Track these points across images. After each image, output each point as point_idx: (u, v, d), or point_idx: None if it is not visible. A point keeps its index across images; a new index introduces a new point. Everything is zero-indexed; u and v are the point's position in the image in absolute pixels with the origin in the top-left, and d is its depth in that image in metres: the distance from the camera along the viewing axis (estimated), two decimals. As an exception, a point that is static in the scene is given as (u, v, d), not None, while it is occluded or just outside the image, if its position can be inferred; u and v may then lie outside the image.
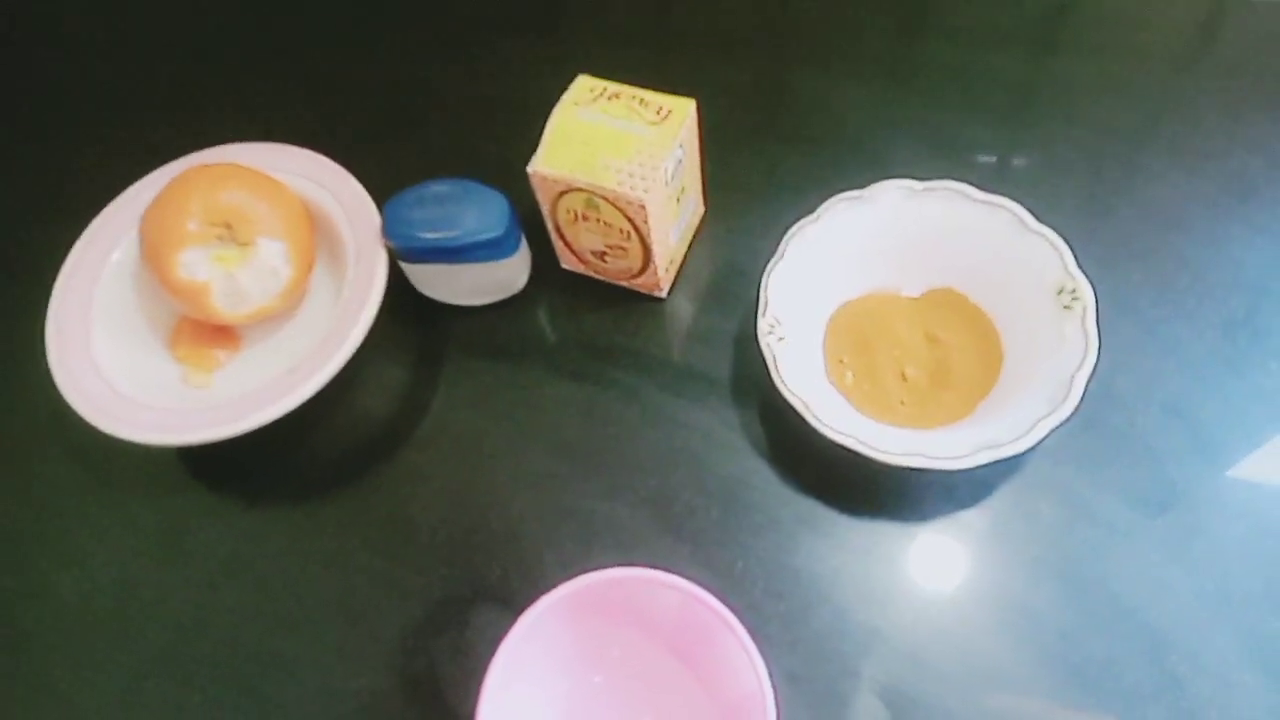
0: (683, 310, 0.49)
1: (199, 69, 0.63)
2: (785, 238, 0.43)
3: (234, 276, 0.44)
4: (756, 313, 0.42)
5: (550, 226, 0.47)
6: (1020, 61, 0.56)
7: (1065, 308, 0.40)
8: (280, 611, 0.42)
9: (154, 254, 0.44)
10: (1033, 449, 0.38)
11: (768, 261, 0.43)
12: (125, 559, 0.44)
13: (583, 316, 0.49)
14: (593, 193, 0.42)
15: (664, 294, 0.49)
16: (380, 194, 0.46)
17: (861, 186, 0.44)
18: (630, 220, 0.42)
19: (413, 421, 0.46)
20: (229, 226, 0.44)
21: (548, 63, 0.48)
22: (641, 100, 0.43)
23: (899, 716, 0.37)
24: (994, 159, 0.52)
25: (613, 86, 0.44)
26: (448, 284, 0.48)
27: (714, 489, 0.43)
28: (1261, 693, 0.37)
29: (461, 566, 0.42)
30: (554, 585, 0.34)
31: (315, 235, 0.47)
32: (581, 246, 0.47)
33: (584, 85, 0.44)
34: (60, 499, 0.47)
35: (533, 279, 0.50)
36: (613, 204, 0.42)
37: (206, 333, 0.47)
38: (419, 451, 0.46)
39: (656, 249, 0.44)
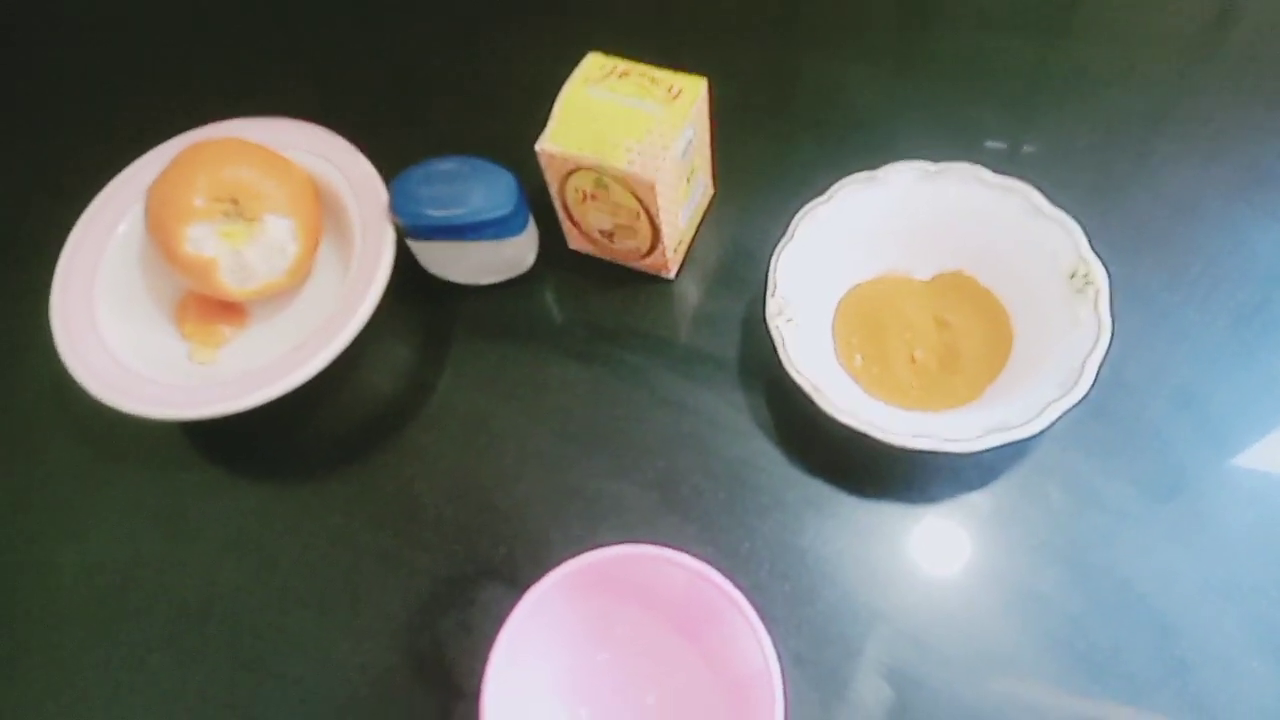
0: (691, 292, 0.48)
1: (204, 47, 0.62)
2: (795, 219, 0.43)
3: (241, 252, 0.44)
4: (765, 294, 0.42)
5: (558, 206, 0.46)
6: (1034, 45, 0.55)
7: (1078, 291, 0.40)
8: (286, 588, 0.42)
9: (160, 229, 0.43)
10: (1042, 433, 0.38)
11: (777, 243, 0.43)
12: (130, 535, 0.44)
13: (590, 297, 0.49)
14: (602, 172, 0.41)
15: (672, 275, 0.48)
16: (388, 172, 0.46)
17: (873, 168, 0.44)
18: (639, 200, 0.42)
19: (419, 400, 0.46)
20: (236, 202, 0.44)
21: (558, 43, 0.48)
22: (652, 79, 0.43)
23: (903, 698, 0.37)
24: (1006, 143, 0.51)
25: (623, 64, 0.43)
26: (455, 262, 0.47)
27: (721, 471, 0.43)
28: (1269, 679, 0.37)
29: (467, 545, 0.42)
30: (560, 563, 0.34)
31: (322, 212, 0.47)
32: (590, 226, 0.47)
33: (595, 63, 0.44)
34: (65, 474, 0.47)
35: (540, 259, 0.49)
36: (622, 183, 0.42)
37: (213, 309, 0.47)
38: (425, 430, 0.45)
39: (665, 229, 0.44)
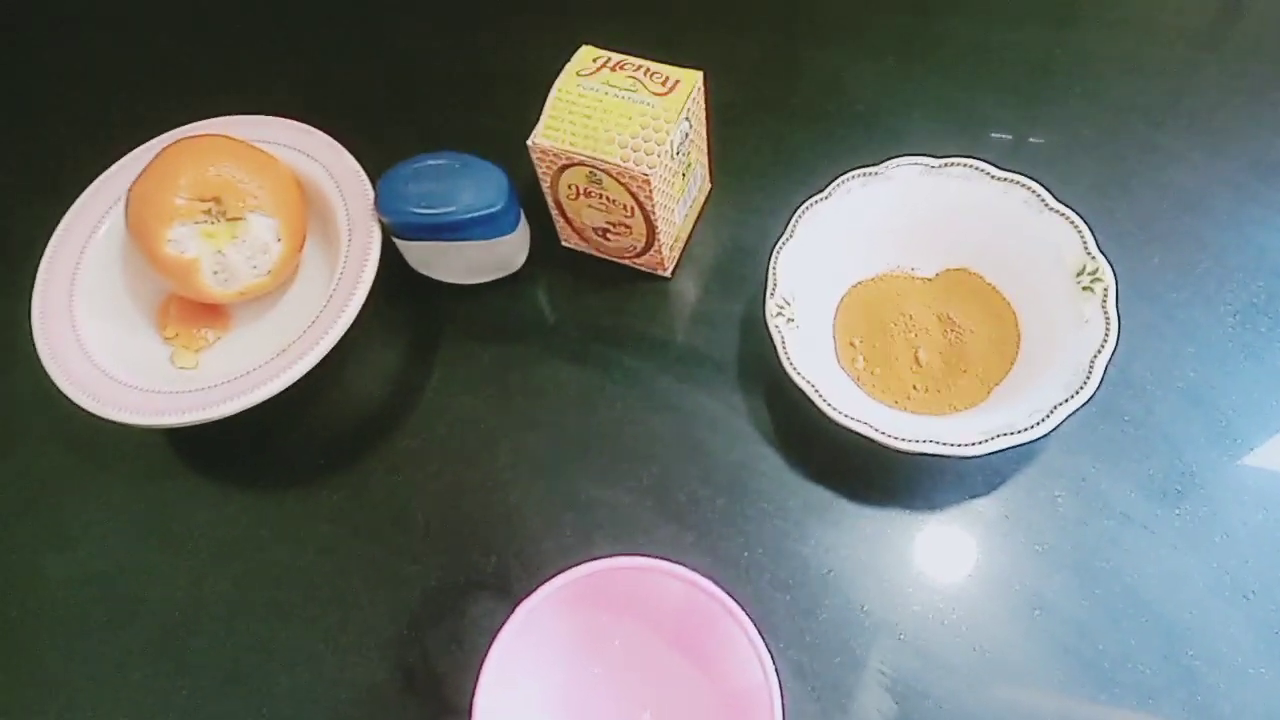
0: (688, 290, 0.47)
1: (191, 41, 0.61)
2: (795, 216, 0.42)
3: (224, 253, 0.43)
4: (764, 293, 0.41)
5: (551, 202, 0.45)
6: (1039, 38, 0.54)
7: (1085, 289, 0.39)
8: (272, 600, 0.41)
9: (141, 230, 0.42)
10: (1048, 436, 0.37)
11: (777, 240, 0.42)
12: (114, 544, 0.43)
13: (584, 296, 0.48)
14: (595, 166, 0.40)
15: (668, 273, 0.47)
16: (377, 170, 0.45)
17: (875, 164, 0.43)
18: (634, 195, 0.41)
19: (408, 405, 0.45)
20: (218, 201, 0.43)
21: (551, 36, 0.46)
22: (647, 71, 0.41)
23: (907, 710, 0.36)
24: (1010, 137, 0.50)
25: (616, 57, 0.42)
26: (444, 262, 0.46)
27: (719, 476, 0.42)
28: (1278, 685, 0.36)
29: (458, 555, 0.41)
30: (553, 575, 0.33)
31: (307, 211, 0.46)
32: (583, 223, 0.45)
33: (587, 55, 0.42)
34: (48, 482, 0.46)
35: (532, 257, 0.48)
36: (616, 178, 0.40)
37: (195, 311, 0.46)
38: (414, 435, 0.44)
39: (661, 226, 0.43)
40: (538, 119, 0.41)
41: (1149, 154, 0.49)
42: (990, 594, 0.39)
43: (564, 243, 0.48)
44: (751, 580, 0.39)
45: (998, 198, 0.42)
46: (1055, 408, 0.36)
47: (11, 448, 0.47)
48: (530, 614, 0.33)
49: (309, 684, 0.39)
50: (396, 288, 0.47)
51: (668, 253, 0.45)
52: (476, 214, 0.42)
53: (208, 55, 0.60)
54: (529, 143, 0.41)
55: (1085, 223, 0.40)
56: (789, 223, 0.42)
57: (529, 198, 0.46)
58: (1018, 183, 0.41)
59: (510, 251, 0.47)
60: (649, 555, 0.34)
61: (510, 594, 0.39)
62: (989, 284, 0.43)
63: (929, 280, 0.44)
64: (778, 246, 0.42)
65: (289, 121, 0.48)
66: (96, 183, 0.47)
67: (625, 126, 0.40)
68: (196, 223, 0.42)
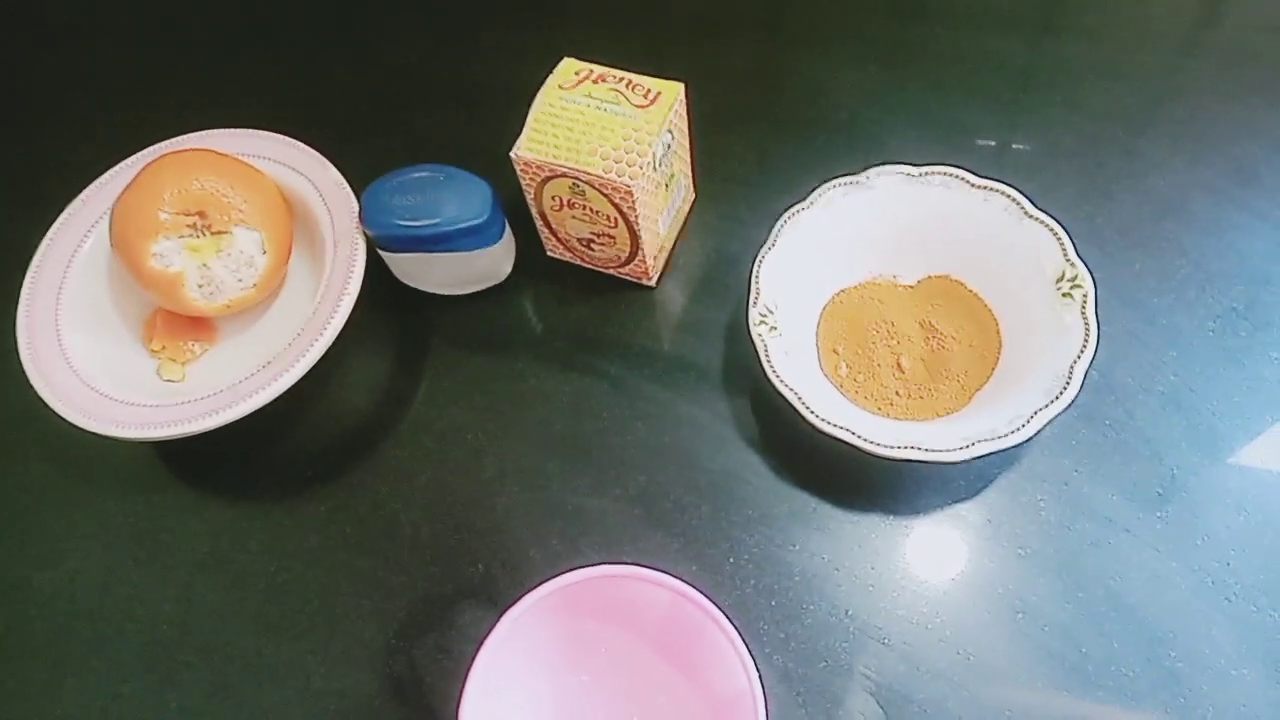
0: (672, 299, 0.48)
1: (175, 56, 0.61)
2: (777, 225, 0.42)
3: (208, 267, 0.43)
4: (748, 302, 0.41)
5: (535, 214, 0.45)
6: (1019, 46, 0.55)
7: (1064, 295, 0.40)
8: (260, 612, 0.41)
9: (125, 244, 0.42)
10: (1030, 441, 0.37)
11: (759, 249, 0.42)
12: (101, 557, 0.43)
13: (569, 306, 0.48)
14: (578, 178, 0.41)
15: (653, 283, 0.47)
16: (361, 182, 0.45)
17: (856, 173, 0.43)
18: (617, 206, 0.41)
19: (394, 415, 0.45)
20: (203, 215, 0.43)
21: (534, 48, 0.47)
22: (629, 83, 0.42)
23: (892, 714, 0.37)
24: (992, 144, 0.51)
25: (599, 69, 0.42)
26: (429, 273, 0.46)
27: (705, 483, 0.42)
28: (1261, 686, 0.36)
29: (445, 564, 0.41)
30: (539, 583, 0.33)
31: (293, 224, 0.46)
32: (568, 234, 0.46)
33: (569, 68, 0.43)
34: (35, 496, 0.45)
35: (517, 268, 0.48)
36: (599, 190, 0.41)
37: (181, 325, 0.46)
38: (401, 446, 0.44)
39: (645, 236, 0.43)
40: (521, 130, 0.41)
41: (1130, 160, 0.49)
42: (974, 598, 0.39)
43: (549, 253, 0.49)
44: (737, 586, 0.39)
45: (978, 205, 0.42)
46: (1036, 413, 0.37)
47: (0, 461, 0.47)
48: (516, 623, 0.33)
49: (297, 695, 0.39)
50: (382, 299, 0.47)
51: (652, 262, 0.46)
52: (461, 226, 0.42)
53: (192, 69, 0.60)
54: (512, 154, 0.41)
55: (1065, 230, 0.41)
56: (771, 231, 0.42)
57: (514, 209, 0.46)
58: (998, 190, 0.42)
59: (495, 262, 0.47)
60: (634, 563, 0.34)
61: (498, 603, 0.39)
62: (970, 291, 0.43)
63: (911, 288, 0.44)
64: (760, 255, 0.42)
65: (273, 135, 0.48)
66: (81, 197, 0.47)
67: (607, 139, 0.40)
68: (181, 237, 0.42)
